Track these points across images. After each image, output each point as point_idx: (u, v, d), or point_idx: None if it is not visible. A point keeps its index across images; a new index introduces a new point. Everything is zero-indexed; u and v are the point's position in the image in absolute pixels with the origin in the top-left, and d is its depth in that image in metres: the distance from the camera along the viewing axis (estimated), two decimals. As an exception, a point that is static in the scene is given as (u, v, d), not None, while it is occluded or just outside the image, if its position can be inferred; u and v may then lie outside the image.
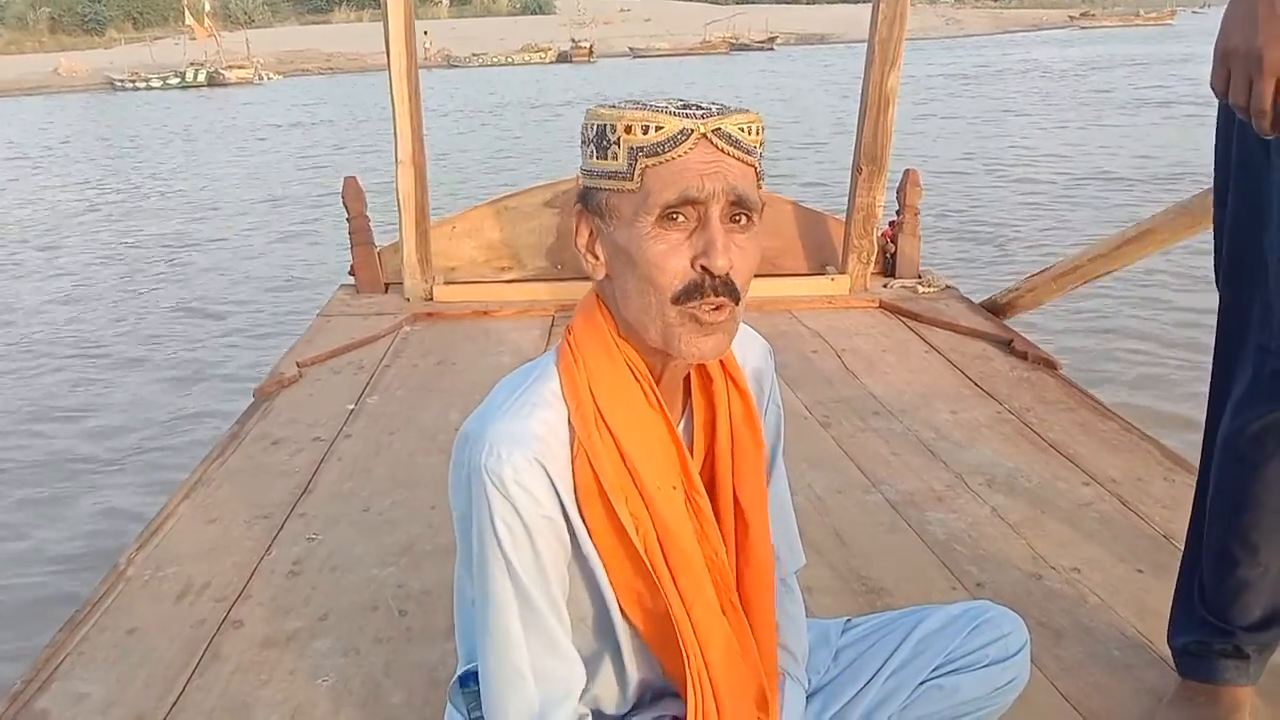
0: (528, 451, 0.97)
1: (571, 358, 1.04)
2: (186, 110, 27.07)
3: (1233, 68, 1.11)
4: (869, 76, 3.87)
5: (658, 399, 1.05)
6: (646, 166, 0.94)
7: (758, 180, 0.98)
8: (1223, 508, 1.44)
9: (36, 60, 44.68)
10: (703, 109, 0.95)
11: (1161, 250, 3.48)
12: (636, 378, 1.04)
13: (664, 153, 0.93)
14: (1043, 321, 5.15)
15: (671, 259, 0.95)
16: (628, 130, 0.94)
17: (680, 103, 0.96)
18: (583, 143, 1.00)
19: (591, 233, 1.03)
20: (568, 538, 1.01)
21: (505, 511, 0.97)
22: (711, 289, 0.95)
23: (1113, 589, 1.97)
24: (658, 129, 0.93)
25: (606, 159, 0.97)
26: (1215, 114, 1.39)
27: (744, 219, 0.97)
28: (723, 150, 0.94)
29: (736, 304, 0.98)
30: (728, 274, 0.95)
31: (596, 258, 1.03)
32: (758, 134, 0.97)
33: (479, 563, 1.00)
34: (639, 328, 1.00)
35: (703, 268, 0.95)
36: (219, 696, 1.72)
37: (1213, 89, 1.14)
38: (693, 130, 0.93)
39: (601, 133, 0.97)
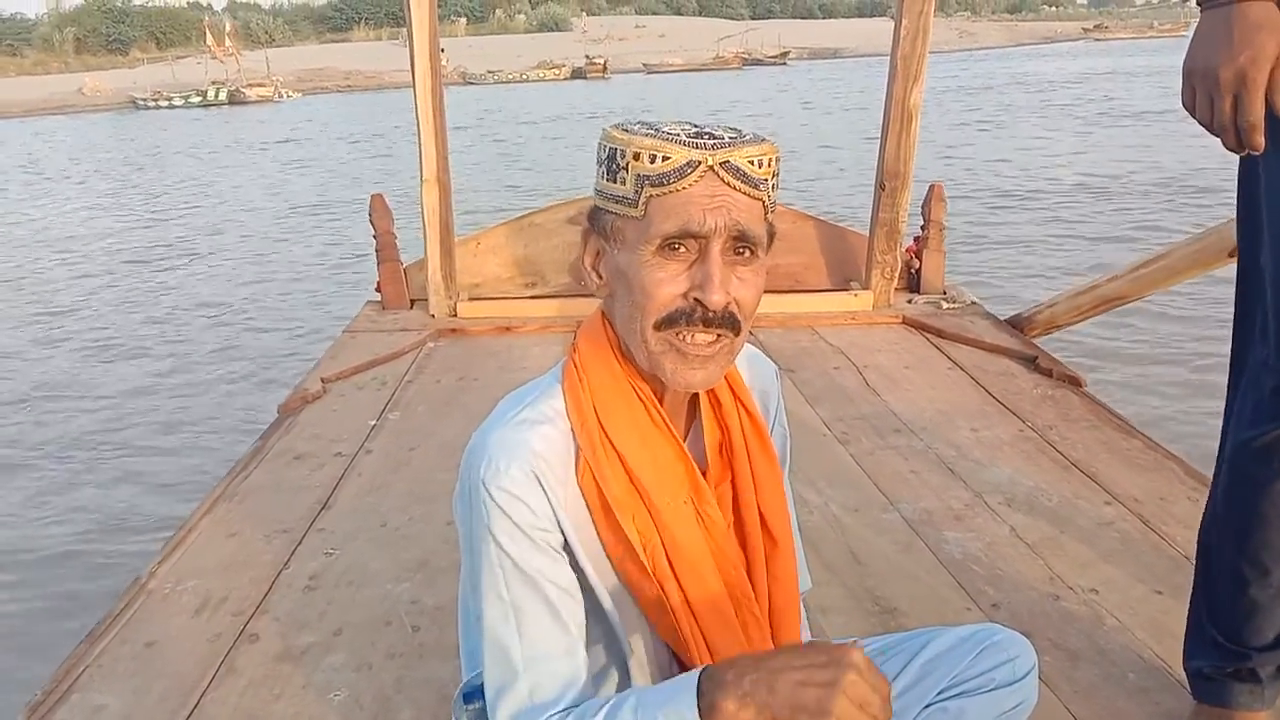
0: (525, 465, 0.98)
1: (576, 375, 1.05)
2: (207, 127, 27.69)
3: (1196, 86, 1.14)
4: (891, 92, 3.86)
5: (662, 417, 1.05)
6: (651, 196, 0.94)
7: (766, 213, 0.98)
8: (1232, 527, 1.43)
9: (62, 80, 45.88)
10: (715, 138, 0.94)
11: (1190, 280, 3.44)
12: (639, 396, 1.04)
13: (669, 184, 0.93)
14: (1071, 336, 5.11)
15: (666, 287, 0.96)
16: (636, 157, 0.94)
17: (694, 129, 0.96)
18: (597, 162, 1.01)
19: (598, 253, 1.04)
20: (564, 552, 1.02)
21: (501, 522, 0.98)
22: (702, 319, 0.95)
23: (1131, 610, 1.95)
24: (664, 159, 0.93)
25: (615, 183, 0.97)
26: None
27: (747, 252, 0.97)
28: (729, 184, 0.94)
29: (736, 335, 0.99)
30: (726, 306, 0.95)
31: (600, 278, 1.04)
32: (770, 166, 0.96)
33: (475, 571, 1.01)
34: (631, 351, 1.01)
35: (697, 300, 0.95)
36: (232, 710, 1.74)
37: (1184, 107, 1.17)
38: (700, 162, 0.93)
39: (612, 156, 0.97)
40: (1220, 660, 1.48)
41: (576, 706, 0.97)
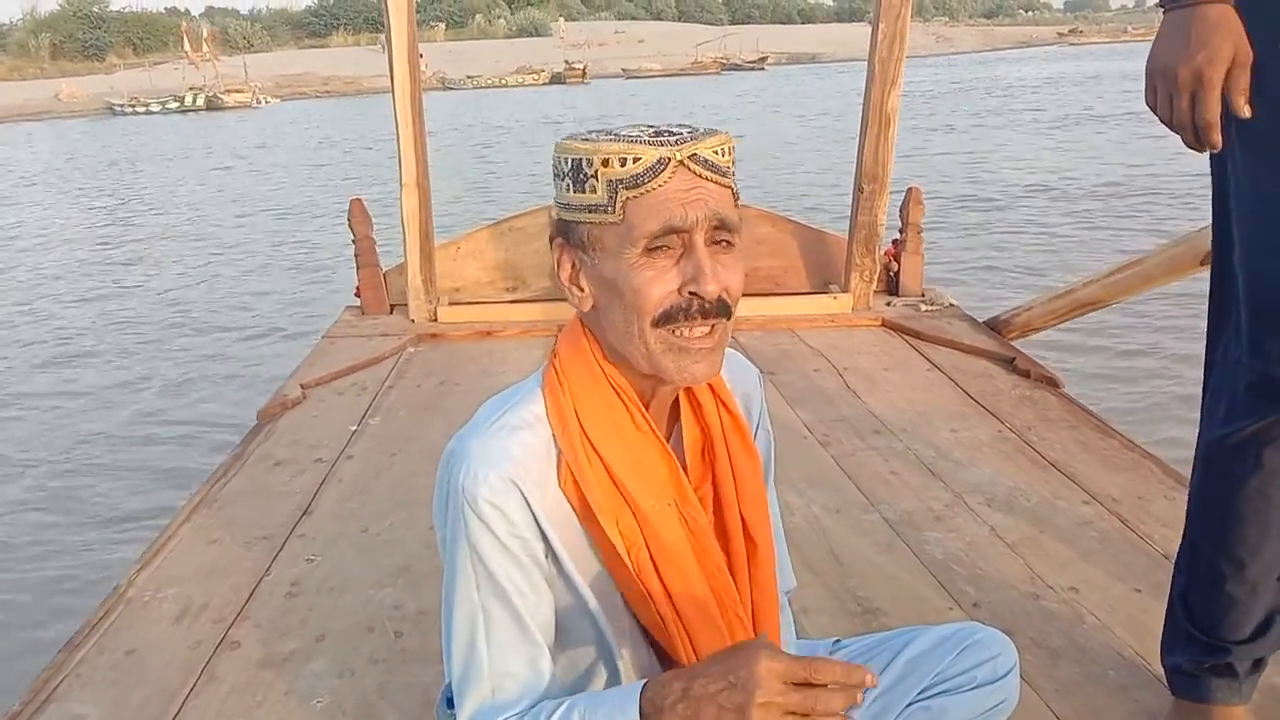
0: (504, 473, 0.98)
1: (557, 381, 1.05)
2: (184, 133, 27.52)
3: (1157, 86, 1.18)
4: (869, 96, 3.89)
5: (646, 419, 1.05)
6: (627, 198, 0.95)
7: (735, 200, 1.00)
8: (1207, 523, 1.45)
9: (38, 86, 45.42)
10: (675, 134, 0.96)
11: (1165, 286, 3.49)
12: (624, 401, 1.04)
13: (644, 184, 0.94)
14: (1049, 338, 5.16)
15: (658, 286, 0.96)
16: (605, 163, 0.95)
17: (652, 129, 0.97)
18: (556, 176, 1.01)
19: (574, 265, 1.03)
20: (544, 560, 1.02)
21: (478, 530, 0.98)
22: (699, 311, 0.97)
23: (1110, 609, 1.96)
24: (635, 160, 0.94)
25: (585, 192, 0.97)
26: None
27: (726, 241, 0.98)
28: (700, 175, 0.95)
29: (728, 320, 1.00)
30: (719, 295, 0.97)
31: (582, 290, 1.03)
32: (730, 154, 0.99)
33: (450, 570, 1.02)
34: (627, 355, 1.01)
35: (692, 294, 0.96)
36: (214, 718, 1.73)
37: (1147, 106, 1.21)
38: (670, 159, 0.94)
39: (577, 166, 0.97)
40: (1198, 655, 1.50)
41: (532, 708, 0.99)
